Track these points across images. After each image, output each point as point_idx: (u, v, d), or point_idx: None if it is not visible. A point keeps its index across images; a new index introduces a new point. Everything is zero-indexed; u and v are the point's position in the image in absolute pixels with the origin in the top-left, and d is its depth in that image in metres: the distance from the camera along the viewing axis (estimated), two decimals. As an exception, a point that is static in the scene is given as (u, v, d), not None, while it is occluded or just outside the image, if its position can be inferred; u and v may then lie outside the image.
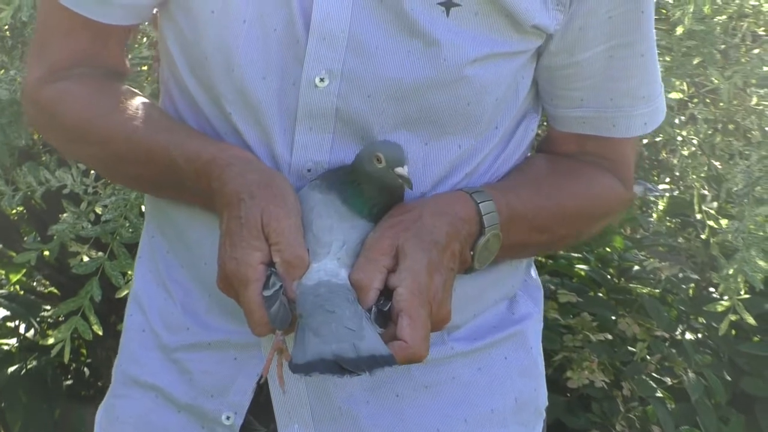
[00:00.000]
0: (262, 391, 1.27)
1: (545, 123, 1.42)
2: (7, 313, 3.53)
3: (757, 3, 2.62)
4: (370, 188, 1.16)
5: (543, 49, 1.28)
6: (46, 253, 2.35)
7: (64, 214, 2.25)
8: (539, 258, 3.27)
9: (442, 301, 1.15)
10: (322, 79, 1.20)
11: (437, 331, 1.17)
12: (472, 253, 1.21)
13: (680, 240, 3.38)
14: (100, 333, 2.20)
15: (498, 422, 1.33)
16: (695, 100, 2.79)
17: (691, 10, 2.27)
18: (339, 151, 1.21)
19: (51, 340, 2.24)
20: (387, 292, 1.13)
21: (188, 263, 1.31)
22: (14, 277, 3.60)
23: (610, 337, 2.99)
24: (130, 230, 2.19)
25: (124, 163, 1.29)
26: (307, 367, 1.06)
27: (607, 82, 1.30)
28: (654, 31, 1.31)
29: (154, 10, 1.34)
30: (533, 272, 1.42)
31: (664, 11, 2.55)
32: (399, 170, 1.14)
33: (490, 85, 1.23)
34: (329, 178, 1.19)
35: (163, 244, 1.35)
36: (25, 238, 3.21)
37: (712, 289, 3.30)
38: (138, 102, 1.31)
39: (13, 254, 3.00)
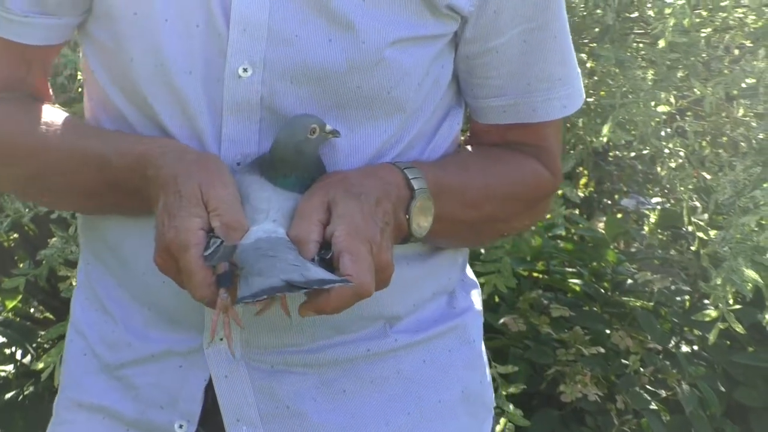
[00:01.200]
0: (208, 398, 1.28)
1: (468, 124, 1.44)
2: (3, 339, 3.54)
3: (742, 15, 2.63)
4: (299, 165, 1.19)
5: (459, 38, 1.29)
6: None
7: (53, 239, 2.26)
8: (533, 272, 3.28)
9: (381, 246, 1.16)
10: (245, 69, 1.22)
11: (383, 284, 1.17)
12: (407, 216, 1.22)
13: (672, 252, 3.39)
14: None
15: (447, 414, 1.35)
16: (689, 113, 2.80)
17: (671, 23, 2.28)
18: (267, 142, 1.22)
19: (40, 365, 2.25)
20: (326, 246, 1.15)
21: (125, 279, 1.32)
22: (10, 304, 3.61)
23: (603, 350, 2.99)
24: (118, 253, 2.19)
25: (54, 174, 1.30)
26: (253, 296, 1.07)
27: (524, 67, 1.32)
28: (565, 12, 1.34)
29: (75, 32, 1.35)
30: (469, 271, 1.45)
31: (646, 25, 2.57)
32: (329, 127, 1.20)
33: (409, 69, 1.25)
34: (258, 163, 1.22)
35: (98, 267, 1.36)
36: (21, 265, 3.23)
37: (706, 301, 3.31)
38: (64, 115, 1.33)
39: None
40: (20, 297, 3.55)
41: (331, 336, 1.28)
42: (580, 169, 3.81)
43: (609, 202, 4.06)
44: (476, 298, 1.44)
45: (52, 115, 1.33)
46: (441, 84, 1.31)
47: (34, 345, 3.39)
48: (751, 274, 2.30)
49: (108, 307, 1.34)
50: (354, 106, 1.24)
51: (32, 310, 3.76)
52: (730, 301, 2.40)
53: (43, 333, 3.50)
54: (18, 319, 3.61)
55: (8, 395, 3.34)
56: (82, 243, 1.41)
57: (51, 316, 3.43)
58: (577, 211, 3.85)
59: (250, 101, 1.23)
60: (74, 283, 2.24)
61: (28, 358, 3.50)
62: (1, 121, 1.33)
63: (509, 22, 1.29)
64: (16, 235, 3.21)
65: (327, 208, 1.16)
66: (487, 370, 1.44)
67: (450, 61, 1.32)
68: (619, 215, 3.94)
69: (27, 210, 2.26)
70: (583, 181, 3.99)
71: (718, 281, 2.34)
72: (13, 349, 3.60)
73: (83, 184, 1.28)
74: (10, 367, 3.59)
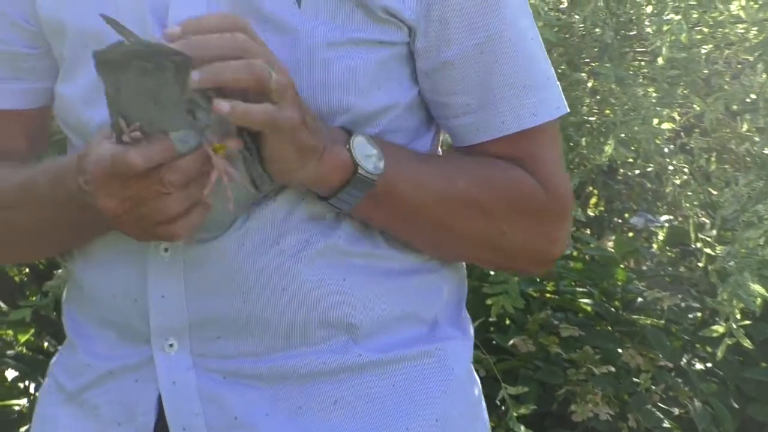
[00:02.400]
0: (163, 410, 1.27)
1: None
2: (16, 373, 3.55)
3: (743, 30, 2.64)
4: None
5: (414, 51, 1.26)
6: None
7: (59, 270, 2.28)
8: (543, 293, 3.27)
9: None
10: None
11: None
12: (348, 148, 1.20)
13: (681, 269, 3.39)
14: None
15: None
16: (696, 130, 2.81)
17: (669, 39, 2.28)
18: None
19: (49, 396, 2.25)
20: None
21: (81, 302, 1.33)
22: (22, 337, 3.62)
23: (613, 369, 2.99)
24: (124, 283, 2.20)
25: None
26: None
27: (485, 79, 1.28)
28: (524, 18, 1.30)
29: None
30: (464, 312, 1.39)
31: (645, 42, 2.58)
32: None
33: (347, 72, 1.22)
34: None
35: (68, 303, 1.38)
36: (33, 298, 3.25)
37: (718, 318, 3.30)
38: (12, 165, 1.33)
39: (19, 314, 3.03)
40: (32, 330, 3.57)
41: (286, 347, 1.25)
42: (590, 188, 3.82)
43: (619, 221, 4.06)
44: (466, 332, 1.37)
45: (6, 168, 1.33)
46: (397, 101, 1.27)
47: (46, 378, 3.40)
48: (757, 288, 2.30)
49: (72, 337, 1.35)
50: None
51: (45, 344, 3.78)
52: (738, 317, 2.39)
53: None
54: (30, 352, 3.62)
55: (22, 429, 3.35)
56: (63, 304, 1.41)
57: (63, 349, 3.45)
58: (588, 231, 3.86)
59: None
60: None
61: (41, 391, 3.52)
62: None
63: (459, 32, 1.26)
64: (27, 270, 3.23)
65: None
66: (478, 402, 1.37)
67: (406, 78, 1.28)
68: (630, 234, 3.94)
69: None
70: (593, 200, 3.99)
71: (725, 296, 2.34)
72: (26, 382, 3.61)
73: (25, 217, 1.29)
74: (23, 401, 3.61)
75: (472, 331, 1.39)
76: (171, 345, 1.25)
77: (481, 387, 1.39)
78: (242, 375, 1.24)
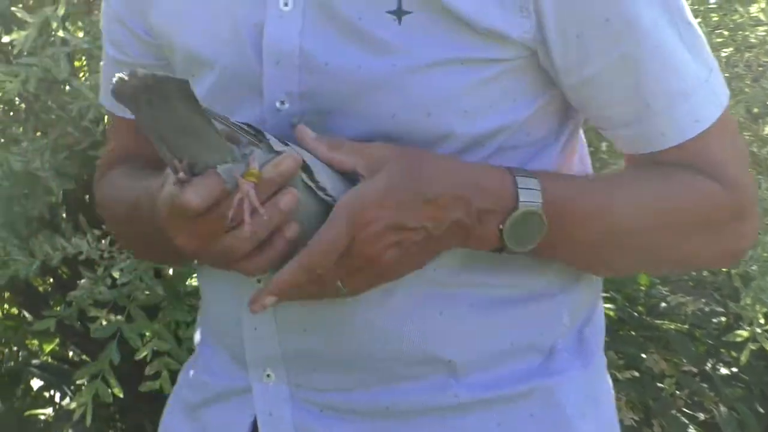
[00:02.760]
0: None
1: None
2: (41, 383, 3.57)
3: (764, 33, 2.63)
4: None
5: (554, 68, 1.19)
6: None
7: (82, 280, 2.29)
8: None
9: (377, 240, 1.07)
10: (282, 102, 1.20)
11: (353, 284, 1.09)
12: (501, 227, 1.13)
13: (705, 273, 3.37)
14: (121, 395, 2.23)
15: None
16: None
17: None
18: None
19: (73, 405, 2.27)
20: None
21: (205, 319, 1.35)
22: (47, 347, 3.65)
23: (637, 374, 2.97)
24: (146, 292, 2.22)
25: (122, 227, 1.36)
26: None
27: (635, 89, 1.18)
28: (662, 20, 1.18)
29: None
30: (589, 330, 1.29)
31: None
32: None
33: (449, 92, 1.16)
34: None
35: (201, 321, 1.39)
36: (57, 308, 3.26)
37: (742, 323, 3.28)
38: (141, 172, 1.31)
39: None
40: (57, 340, 3.59)
41: (380, 382, 1.20)
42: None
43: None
44: (587, 360, 1.26)
45: (133, 173, 1.34)
46: (513, 120, 1.19)
47: (72, 387, 3.42)
48: (781, 292, 2.29)
49: (198, 349, 1.36)
50: (389, 134, 1.17)
51: (70, 353, 3.79)
52: (762, 321, 2.38)
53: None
54: (55, 362, 3.64)
55: (48, 438, 3.38)
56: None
57: (87, 358, 3.46)
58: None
59: (283, 133, 1.18)
60: (103, 323, 2.28)
61: (66, 400, 3.54)
62: (109, 188, 1.37)
63: (598, 45, 1.17)
64: (51, 280, 3.25)
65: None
66: None
67: (523, 93, 1.20)
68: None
69: (56, 252, 2.29)
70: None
71: (748, 301, 2.33)
72: (51, 392, 3.63)
73: (139, 231, 1.27)
74: (49, 410, 3.63)
75: (598, 352, 1.30)
76: (268, 375, 1.24)
77: (608, 417, 1.30)
78: (339, 409, 1.22)
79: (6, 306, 3.63)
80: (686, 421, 2.95)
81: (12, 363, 3.73)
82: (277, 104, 1.20)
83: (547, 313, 1.23)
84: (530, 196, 1.13)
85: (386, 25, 1.16)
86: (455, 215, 1.11)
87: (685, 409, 3.01)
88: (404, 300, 1.18)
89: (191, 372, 1.36)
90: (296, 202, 1.08)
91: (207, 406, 1.31)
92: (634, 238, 1.19)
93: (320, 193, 1.10)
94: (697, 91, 1.20)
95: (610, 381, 1.32)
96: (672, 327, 3.13)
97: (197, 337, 1.38)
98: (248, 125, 1.11)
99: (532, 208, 1.13)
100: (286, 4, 1.19)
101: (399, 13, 1.16)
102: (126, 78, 1.01)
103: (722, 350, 3.24)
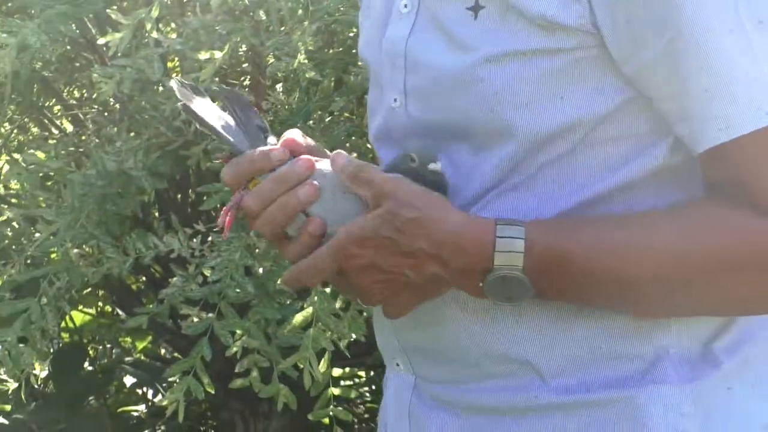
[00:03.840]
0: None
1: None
2: (134, 380, 3.63)
3: None
4: None
5: (612, 56, 1.13)
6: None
7: (174, 278, 2.32)
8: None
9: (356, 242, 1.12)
10: (395, 100, 1.23)
11: (307, 271, 1.15)
12: (481, 285, 1.12)
13: None
14: (212, 392, 2.25)
15: None
16: None
17: None
18: None
19: (165, 402, 2.30)
20: None
21: None
22: (140, 345, 3.70)
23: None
24: (237, 290, 2.24)
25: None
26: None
27: (678, 83, 1.09)
28: (712, 10, 1.07)
29: None
30: (723, 345, 1.17)
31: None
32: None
33: (508, 85, 1.14)
34: None
35: None
36: (149, 306, 3.31)
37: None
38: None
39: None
40: (150, 338, 3.64)
41: (470, 379, 1.21)
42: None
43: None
44: (700, 375, 1.16)
45: None
46: (592, 111, 1.14)
47: (164, 385, 3.47)
48: None
49: None
50: (469, 128, 1.17)
51: (162, 351, 3.85)
52: None
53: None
54: (148, 359, 3.70)
55: (140, 435, 3.43)
56: None
57: (179, 356, 3.51)
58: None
59: (401, 130, 1.23)
60: (195, 321, 2.30)
61: (159, 397, 3.59)
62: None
63: (644, 33, 1.09)
64: (144, 278, 3.30)
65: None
66: None
67: (599, 90, 1.14)
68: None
69: (148, 250, 2.32)
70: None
71: None
72: (144, 389, 3.69)
73: None
74: (142, 407, 3.68)
75: (729, 366, 1.18)
76: (398, 364, 1.28)
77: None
78: (443, 401, 1.24)
79: (100, 304, 3.70)
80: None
81: (106, 360, 3.80)
82: (392, 103, 1.23)
83: (644, 322, 1.16)
84: (508, 260, 1.10)
85: (465, 21, 1.17)
86: (432, 269, 1.12)
87: None
88: (489, 302, 1.16)
89: None
90: (316, 193, 1.16)
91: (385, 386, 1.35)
92: (651, 287, 1.11)
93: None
94: (737, 92, 1.07)
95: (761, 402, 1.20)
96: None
97: None
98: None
99: (509, 273, 1.10)
100: (405, 6, 1.23)
101: (476, 8, 1.17)
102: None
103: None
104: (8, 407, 2.97)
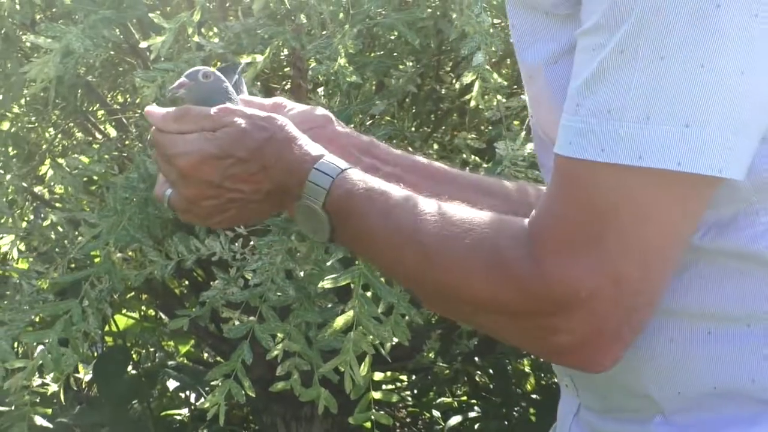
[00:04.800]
0: None
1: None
2: (176, 384, 3.65)
3: None
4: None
5: None
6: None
7: (216, 281, 2.33)
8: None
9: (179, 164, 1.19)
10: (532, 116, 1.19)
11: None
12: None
13: None
14: (253, 395, 2.25)
15: None
16: None
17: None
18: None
19: (206, 405, 2.30)
20: None
21: None
22: (183, 348, 3.72)
23: None
24: (278, 293, 2.24)
25: None
26: None
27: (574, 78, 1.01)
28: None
29: None
30: None
31: None
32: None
33: (550, 90, 1.08)
34: None
35: None
36: (192, 309, 3.33)
37: None
38: None
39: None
40: (192, 341, 3.66)
41: (606, 409, 1.16)
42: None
43: None
44: None
45: None
46: None
47: (206, 388, 3.48)
48: None
49: None
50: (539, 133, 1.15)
51: (205, 355, 3.86)
52: None
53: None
54: (191, 363, 3.71)
55: (184, 438, 3.44)
56: None
57: (221, 360, 3.52)
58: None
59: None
60: (236, 324, 2.30)
61: (201, 400, 3.60)
62: None
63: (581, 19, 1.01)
64: (186, 282, 3.31)
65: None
66: None
67: None
68: None
69: (190, 253, 2.33)
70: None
71: None
72: (187, 392, 3.71)
73: None
74: (185, 411, 3.70)
75: None
76: (567, 385, 1.21)
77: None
78: (586, 427, 1.20)
79: (143, 308, 3.72)
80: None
81: (149, 364, 3.82)
82: (530, 111, 1.20)
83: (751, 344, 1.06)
84: (312, 191, 1.16)
85: (541, 18, 1.09)
86: (268, 186, 1.19)
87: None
88: None
89: None
90: None
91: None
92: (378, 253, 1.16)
93: None
94: (596, 116, 0.97)
95: None
96: None
97: None
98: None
99: (311, 204, 1.16)
100: None
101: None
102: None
103: None
104: (50, 411, 2.99)
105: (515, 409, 3.68)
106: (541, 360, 3.53)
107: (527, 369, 3.86)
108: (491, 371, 3.73)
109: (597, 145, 0.96)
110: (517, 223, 1.04)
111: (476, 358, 3.62)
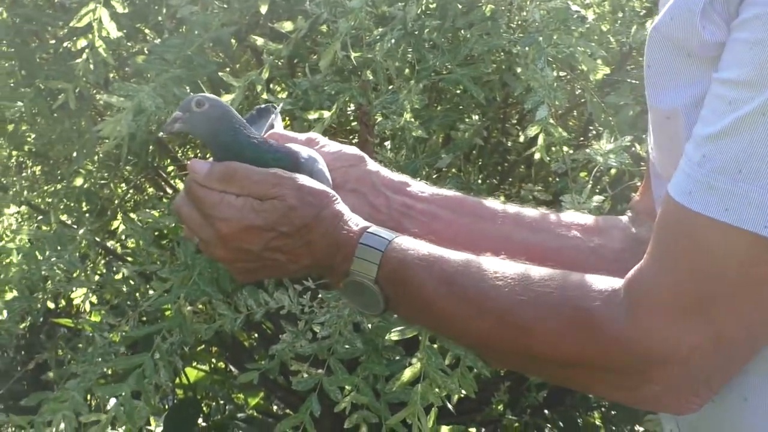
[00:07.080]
0: None
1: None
2: (245, 436, 3.66)
3: None
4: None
5: None
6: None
7: (284, 334, 2.35)
8: None
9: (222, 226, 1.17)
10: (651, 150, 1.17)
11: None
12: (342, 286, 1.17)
13: None
14: (322, 448, 2.26)
15: None
16: None
17: None
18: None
19: (275, 456, 2.32)
20: None
21: None
22: (252, 401, 3.73)
23: None
24: (346, 346, 2.25)
25: None
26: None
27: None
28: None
29: None
30: None
31: None
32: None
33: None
34: None
35: None
36: (262, 362, 3.35)
37: None
38: None
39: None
40: (261, 394, 3.68)
41: None
42: None
43: None
44: None
45: None
46: None
47: (275, 440, 3.49)
48: None
49: None
50: None
51: (275, 407, 3.87)
52: None
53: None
54: (260, 415, 3.72)
55: (252, 489, 3.45)
56: None
57: (290, 412, 3.53)
58: None
59: None
60: (305, 376, 2.32)
61: (270, 453, 3.61)
62: None
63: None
64: (256, 335, 3.33)
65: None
66: None
67: None
68: None
69: (259, 307, 2.35)
70: None
71: None
72: (256, 445, 3.72)
73: None
74: (253, 462, 3.71)
75: None
76: (671, 430, 1.15)
77: None
78: None
79: (213, 360, 3.75)
80: None
81: (219, 416, 3.84)
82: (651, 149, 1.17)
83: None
84: (363, 267, 1.15)
85: (681, 58, 1.04)
86: (306, 262, 1.18)
87: None
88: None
89: None
90: None
91: None
92: (445, 325, 1.14)
93: None
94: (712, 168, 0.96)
95: None
96: None
97: None
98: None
99: (362, 280, 1.15)
100: None
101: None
102: None
103: None
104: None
105: (585, 461, 3.64)
106: (612, 413, 3.49)
107: (597, 422, 3.82)
108: (561, 424, 3.70)
109: (721, 204, 0.94)
110: (605, 282, 1.03)
111: (546, 411, 3.60)
